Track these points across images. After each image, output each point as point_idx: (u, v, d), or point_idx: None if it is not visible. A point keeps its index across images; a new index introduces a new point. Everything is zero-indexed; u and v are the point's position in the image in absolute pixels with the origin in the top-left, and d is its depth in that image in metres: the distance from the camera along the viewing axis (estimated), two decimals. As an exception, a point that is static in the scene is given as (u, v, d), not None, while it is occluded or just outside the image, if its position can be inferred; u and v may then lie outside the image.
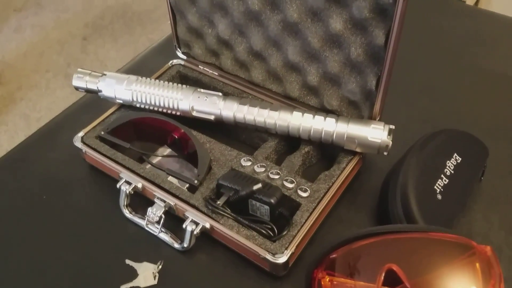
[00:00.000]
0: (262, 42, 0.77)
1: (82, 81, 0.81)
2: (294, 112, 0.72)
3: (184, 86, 0.78)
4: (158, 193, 0.69)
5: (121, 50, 2.55)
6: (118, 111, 0.82)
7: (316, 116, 0.71)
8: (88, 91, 0.81)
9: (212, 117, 0.76)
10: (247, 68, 0.82)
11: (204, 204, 0.68)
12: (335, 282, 0.59)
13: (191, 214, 0.67)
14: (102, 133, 0.78)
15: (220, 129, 0.79)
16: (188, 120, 0.78)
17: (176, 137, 0.78)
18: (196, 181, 0.70)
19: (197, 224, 0.66)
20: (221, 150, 0.75)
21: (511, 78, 0.93)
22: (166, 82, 0.79)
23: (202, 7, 0.80)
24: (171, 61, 0.90)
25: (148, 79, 0.80)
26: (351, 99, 0.73)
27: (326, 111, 0.76)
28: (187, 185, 0.73)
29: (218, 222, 0.66)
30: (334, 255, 0.59)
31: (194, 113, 0.76)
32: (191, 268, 0.67)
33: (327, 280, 0.59)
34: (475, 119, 0.85)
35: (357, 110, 0.74)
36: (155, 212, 0.69)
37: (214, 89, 0.85)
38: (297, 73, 0.77)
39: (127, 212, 0.72)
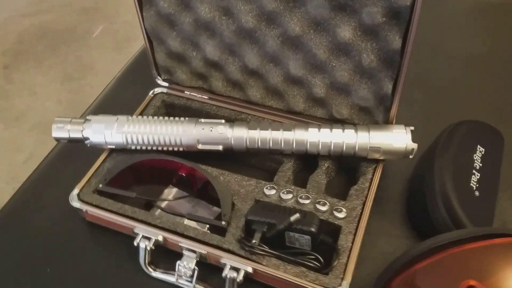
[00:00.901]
0: (258, 60, 0.72)
1: (63, 131, 0.71)
2: (310, 129, 0.68)
3: (182, 119, 0.71)
4: (185, 243, 0.63)
5: (49, 73, 2.36)
6: (110, 157, 0.73)
7: (333, 130, 0.68)
8: (71, 140, 0.72)
9: (220, 147, 0.70)
10: (242, 88, 0.77)
11: (239, 246, 0.62)
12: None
13: (228, 260, 0.61)
14: (100, 186, 0.69)
15: (225, 156, 0.73)
16: (188, 152, 0.71)
17: (184, 174, 0.72)
18: (224, 223, 0.64)
19: (237, 270, 0.61)
20: (237, 182, 0.69)
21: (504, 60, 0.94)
22: (162, 118, 0.72)
23: (185, 30, 0.73)
24: (152, 91, 0.82)
25: (140, 117, 0.72)
26: (362, 105, 0.70)
27: (335, 121, 0.73)
28: (208, 226, 0.67)
29: (260, 263, 0.60)
30: (400, 277, 0.56)
31: (200, 146, 0.70)
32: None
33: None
34: (483, 108, 0.85)
35: (369, 116, 0.71)
36: (186, 265, 0.62)
37: (207, 113, 0.79)
38: (301, 87, 0.72)
39: (151, 271, 0.64)
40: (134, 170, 0.71)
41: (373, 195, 0.66)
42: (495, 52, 0.96)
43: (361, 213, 0.64)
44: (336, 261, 0.60)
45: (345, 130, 0.67)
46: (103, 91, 0.93)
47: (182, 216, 0.68)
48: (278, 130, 0.69)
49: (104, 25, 2.54)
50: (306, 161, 0.73)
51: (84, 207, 0.67)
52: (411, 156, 0.67)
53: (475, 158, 0.67)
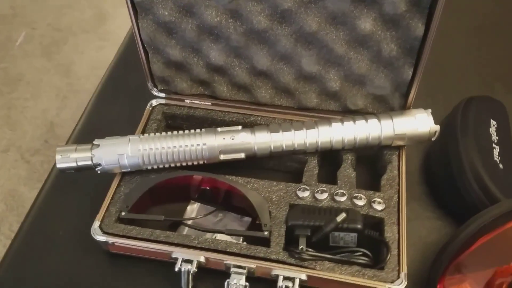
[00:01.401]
0: (267, 60, 0.69)
1: (69, 160, 0.65)
2: (333, 124, 0.67)
3: (198, 130, 0.67)
4: (231, 260, 0.60)
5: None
6: (124, 181, 0.68)
7: (357, 122, 0.67)
8: (79, 169, 0.66)
9: (242, 155, 0.67)
10: (249, 90, 0.74)
11: (287, 254, 0.60)
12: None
13: (280, 271, 0.59)
14: (123, 213, 0.64)
15: (239, 163, 0.69)
16: (204, 165, 0.68)
17: (208, 188, 0.68)
18: (266, 233, 0.62)
19: (291, 279, 0.59)
20: (266, 188, 0.67)
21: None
22: (176, 132, 0.67)
23: (186, 37, 0.69)
24: (149, 104, 0.77)
25: (152, 134, 0.67)
26: (378, 94, 0.70)
27: (349, 112, 0.73)
28: (242, 238, 0.65)
29: (314, 269, 0.59)
30: (459, 259, 0.57)
31: (222, 157, 0.67)
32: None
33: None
34: (477, 82, 0.87)
35: (384, 103, 0.71)
36: (237, 282, 0.59)
37: (213, 121, 0.76)
38: (313, 82, 0.71)
39: (198, 294, 0.61)
40: (153, 191, 0.67)
41: (405, 182, 0.67)
42: (473, 30, 0.99)
43: (398, 202, 0.65)
44: (388, 254, 0.60)
45: (368, 121, 0.67)
46: (84, 113, 0.85)
47: (216, 232, 0.64)
48: (301, 129, 0.67)
49: (26, 31, 2.35)
50: (327, 156, 0.72)
51: (111, 239, 0.62)
52: (433, 138, 0.68)
53: (492, 132, 0.69)
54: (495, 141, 0.68)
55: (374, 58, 0.66)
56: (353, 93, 0.71)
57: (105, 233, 0.63)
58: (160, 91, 0.77)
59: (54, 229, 0.69)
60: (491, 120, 0.71)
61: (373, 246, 0.62)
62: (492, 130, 0.69)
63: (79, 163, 0.65)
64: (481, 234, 0.58)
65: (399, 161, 0.69)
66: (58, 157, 0.65)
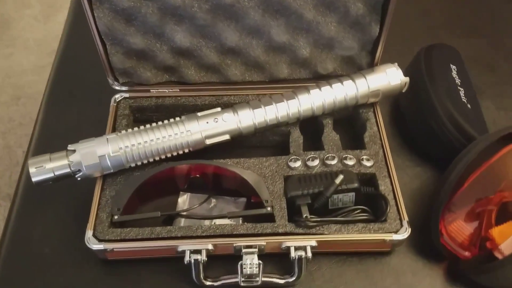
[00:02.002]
0: (236, 36, 0.68)
1: (45, 172, 0.60)
2: (311, 91, 0.67)
3: (178, 118, 0.65)
4: (241, 241, 0.59)
5: None
6: (107, 184, 0.64)
7: (333, 85, 0.68)
8: (57, 179, 0.61)
9: (227, 137, 0.66)
10: (218, 70, 0.72)
11: (294, 225, 0.61)
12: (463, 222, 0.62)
13: (290, 242, 0.59)
14: (116, 217, 0.61)
15: (222, 146, 0.68)
16: (188, 153, 0.66)
17: (198, 176, 0.66)
18: (269, 209, 0.61)
19: (303, 248, 0.59)
20: (257, 165, 0.66)
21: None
22: (155, 124, 0.64)
23: (147, 22, 0.65)
24: (113, 98, 0.72)
25: (130, 130, 0.64)
26: (346, 55, 0.71)
27: (320, 77, 0.73)
28: (241, 219, 0.64)
29: (322, 234, 0.60)
30: (453, 199, 0.61)
31: (208, 142, 0.65)
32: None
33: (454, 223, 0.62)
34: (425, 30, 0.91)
35: (353, 64, 0.73)
36: (251, 262, 0.59)
37: (184, 107, 0.73)
38: (283, 53, 0.70)
39: (211, 283, 0.60)
40: (141, 188, 0.64)
41: (386, 136, 0.69)
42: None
43: (384, 155, 0.67)
44: (388, 206, 0.62)
45: (344, 83, 0.68)
46: (36, 123, 0.78)
47: (217, 218, 0.63)
48: (282, 101, 0.67)
49: None
50: (306, 124, 0.72)
51: (110, 246, 0.59)
52: (404, 90, 0.70)
53: (454, 76, 0.73)
54: (459, 84, 0.72)
55: (342, 19, 0.67)
56: (323, 58, 0.71)
57: (101, 240, 0.59)
58: (122, 84, 0.73)
59: (38, 248, 0.64)
60: (451, 65, 0.75)
61: (369, 202, 0.64)
62: (454, 74, 0.73)
63: (57, 173, 0.61)
64: (469, 172, 0.62)
65: (376, 117, 0.71)
66: (32, 170, 0.60)
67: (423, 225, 0.64)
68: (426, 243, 0.63)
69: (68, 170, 0.61)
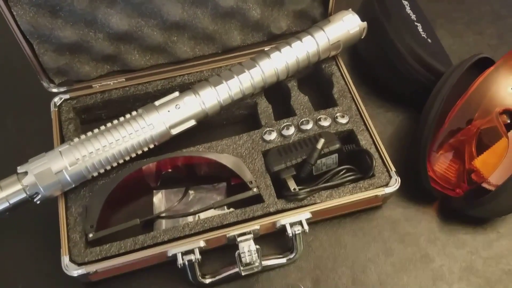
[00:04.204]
0: (178, 8, 0.61)
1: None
2: (272, 55, 0.62)
3: (135, 113, 0.58)
4: (234, 230, 0.55)
5: None
6: (70, 200, 0.57)
7: (292, 44, 0.63)
8: (14, 208, 0.54)
9: (193, 122, 0.60)
10: (165, 49, 0.65)
11: (284, 201, 0.57)
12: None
13: (284, 219, 0.56)
14: (91, 235, 0.55)
15: (186, 132, 0.62)
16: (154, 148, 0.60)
17: (169, 170, 0.61)
18: (255, 189, 0.58)
19: (299, 222, 0.56)
20: (230, 146, 0.61)
21: None
22: (111, 124, 0.57)
23: (75, 10, 0.57)
24: (52, 103, 0.64)
25: (83, 136, 0.56)
26: (298, 9, 0.67)
27: (275, 38, 0.69)
28: (226, 206, 0.60)
29: (315, 203, 0.57)
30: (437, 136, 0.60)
31: (173, 132, 0.59)
32: (321, 260, 0.59)
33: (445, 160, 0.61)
34: None
35: (306, 18, 0.69)
36: (248, 249, 0.55)
37: (135, 98, 0.66)
38: (233, 18, 0.65)
39: (210, 279, 0.56)
40: (111, 198, 0.58)
41: (354, 87, 0.66)
42: None
43: (357, 108, 0.64)
44: (373, 160, 0.60)
45: (303, 39, 0.63)
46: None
47: (202, 211, 0.58)
48: (244, 72, 0.61)
49: None
50: (270, 92, 0.67)
51: (92, 268, 0.53)
52: (363, 36, 0.67)
53: (408, 12, 0.71)
54: (415, 20, 0.70)
55: (289, -30, 0.61)
56: (274, 16, 0.66)
57: (81, 264, 0.53)
58: (60, 85, 0.64)
59: (12, 285, 0.57)
60: (403, 1, 0.72)
61: (352, 160, 0.62)
62: (408, 10, 0.71)
63: (12, 201, 0.53)
64: (447, 108, 0.61)
65: (340, 70, 0.68)
66: (-19, 204, 0.52)
67: (407, 170, 0.63)
68: (414, 187, 0.62)
69: (24, 195, 0.53)
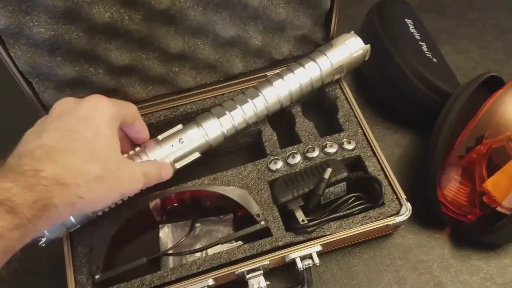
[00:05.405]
0: (179, 41, 0.60)
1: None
2: (274, 82, 0.61)
3: (138, 148, 0.57)
4: (243, 267, 0.54)
5: None
6: (75, 240, 0.56)
7: (295, 70, 0.62)
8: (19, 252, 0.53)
9: (197, 155, 0.59)
10: (166, 80, 0.64)
11: (293, 234, 0.56)
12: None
13: (294, 253, 0.55)
14: (97, 276, 0.54)
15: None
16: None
17: (175, 204, 0.60)
18: (263, 223, 0.56)
19: (309, 256, 0.55)
20: (236, 176, 0.60)
21: None
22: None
23: (74, 47, 0.55)
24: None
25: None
26: (299, 34, 0.66)
27: (277, 63, 0.68)
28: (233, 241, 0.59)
29: (325, 235, 0.56)
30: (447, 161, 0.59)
31: (177, 166, 0.58)
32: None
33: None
34: None
35: (307, 41, 0.67)
36: (259, 286, 0.54)
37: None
38: (234, 47, 0.64)
39: (221, 318, 0.55)
40: (117, 236, 0.57)
41: (360, 111, 0.65)
42: None
43: (364, 133, 0.63)
44: (382, 188, 0.58)
45: (305, 65, 0.62)
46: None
47: (209, 247, 0.57)
48: (246, 101, 0.60)
49: None
50: (274, 119, 0.66)
51: (102, 313, 0.52)
52: (366, 58, 0.66)
53: (412, 31, 0.69)
54: (419, 39, 0.69)
55: (290, -1, 0.60)
56: (276, 42, 0.65)
57: (89, 309, 0.52)
58: (61, 121, 0.63)
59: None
60: (406, 20, 0.71)
61: (361, 186, 0.60)
62: (412, 28, 0.70)
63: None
64: (455, 131, 0.60)
65: (344, 93, 0.67)
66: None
67: (416, 194, 0.62)
68: (424, 212, 0.61)
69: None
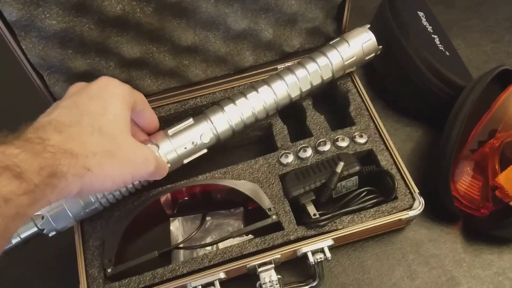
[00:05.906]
0: (190, 33, 0.60)
1: (12, 240, 0.52)
2: (285, 77, 0.61)
3: (149, 144, 0.57)
4: (254, 261, 0.54)
5: None
6: (86, 234, 0.56)
7: (306, 65, 0.62)
8: (25, 243, 0.53)
9: (205, 150, 0.59)
10: (176, 73, 0.64)
11: (305, 228, 0.56)
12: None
13: (305, 247, 0.55)
14: (109, 270, 0.54)
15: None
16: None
17: (186, 198, 0.60)
18: (274, 217, 0.56)
19: (321, 250, 0.55)
20: (247, 170, 0.60)
21: None
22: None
23: (85, 40, 0.55)
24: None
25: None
26: (310, 27, 0.65)
27: (289, 56, 0.67)
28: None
29: (337, 229, 0.56)
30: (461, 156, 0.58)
31: (185, 161, 0.58)
32: (344, 287, 0.57)
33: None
34: None
35: (319, 34, 0.67)
36: (270, 280, 0.54)
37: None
38: (245, 39, 0.63)
39: (232, 311, 0.55)
40: (129, 230, 0.57)
41: (372, 104, 0.64)
42: None
43: (376, 126, 0.63)
44: (395, 182, 0.58)
45: (316, 59, 0.62)
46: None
47: (220, 241, 0.57)
48: (256, 95, 0.59)
49: None
50: (285, 112, 0.65)
51: (114, 306, 0.52)
52: (379, 52, 0.65)
53: (425, 24, 0.69)
54: (432, 32, 0.68)
55: (302, -10, 0.60)
56: (287, 35, 0.65)
57: (102, 302, 0.52)
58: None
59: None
60: (418, 12, 0.70)
61: (373, 180, 0.60)
62: (424, 21, 0.69)
63: (23, 235, 0.52)
64: (469, 125, 0.59)
65: (356, 87, 0.66)
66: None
67: (428, 188, 0.61)
68: (436, 206, 0.60)
69: (35, 229, 0.52)
